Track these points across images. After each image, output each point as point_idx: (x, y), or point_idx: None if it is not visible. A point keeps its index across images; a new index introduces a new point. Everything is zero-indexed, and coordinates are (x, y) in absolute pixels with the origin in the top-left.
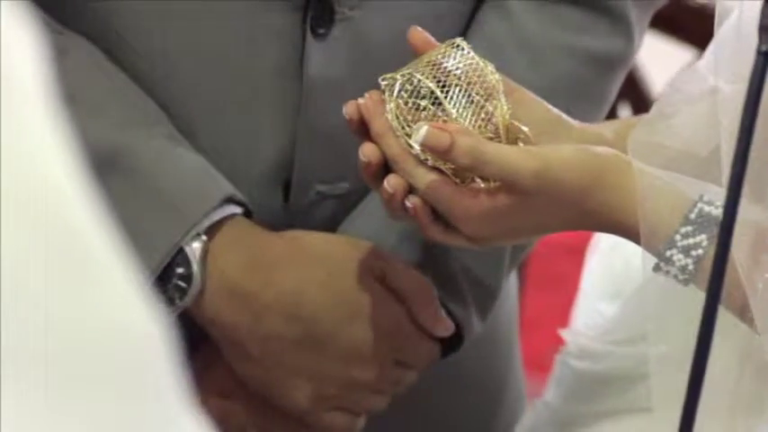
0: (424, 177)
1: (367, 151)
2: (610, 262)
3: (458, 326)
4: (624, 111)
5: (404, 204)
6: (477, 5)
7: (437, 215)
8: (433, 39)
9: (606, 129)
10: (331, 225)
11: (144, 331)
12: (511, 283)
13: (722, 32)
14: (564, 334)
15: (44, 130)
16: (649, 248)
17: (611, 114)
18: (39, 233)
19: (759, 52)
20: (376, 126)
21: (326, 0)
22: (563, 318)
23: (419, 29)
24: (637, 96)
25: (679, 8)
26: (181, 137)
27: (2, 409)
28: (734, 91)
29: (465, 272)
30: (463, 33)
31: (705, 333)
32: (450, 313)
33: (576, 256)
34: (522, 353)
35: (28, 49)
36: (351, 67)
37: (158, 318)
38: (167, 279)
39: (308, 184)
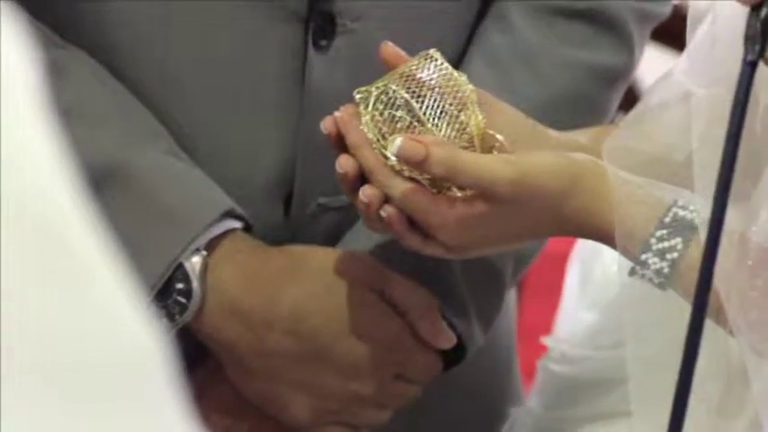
0: (400, 187)
1: (343, 163)
2: (589, 270)
3: (460, 338)
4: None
5: (380, 214)
6: (479, 18)
7: (414, 225)
8: (404, 53)
9: (582, 135)
10: (332, 237)
11: (142, 345)
12: (510, 293)
13: (696, 37)
14: (546, 341)
15: (42, 145)
16: (625, 252)
17: None
18: (36, 249)
19: (745, 62)
20: (351, 138)
21: (328, 12)
22: (552, 328)
23: (390, 44)
24: (633, 106)
25: (675, 18)
26: (180, 151)
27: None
28: (706, 95)
29: (467, 284)
30: (465, 46)
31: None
32: (451, 326)
33: (564, 264)
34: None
35: (25, 64)
36: (352, 79)
37: (157, 333)
38: (167, 294)
39: (309, 197)
